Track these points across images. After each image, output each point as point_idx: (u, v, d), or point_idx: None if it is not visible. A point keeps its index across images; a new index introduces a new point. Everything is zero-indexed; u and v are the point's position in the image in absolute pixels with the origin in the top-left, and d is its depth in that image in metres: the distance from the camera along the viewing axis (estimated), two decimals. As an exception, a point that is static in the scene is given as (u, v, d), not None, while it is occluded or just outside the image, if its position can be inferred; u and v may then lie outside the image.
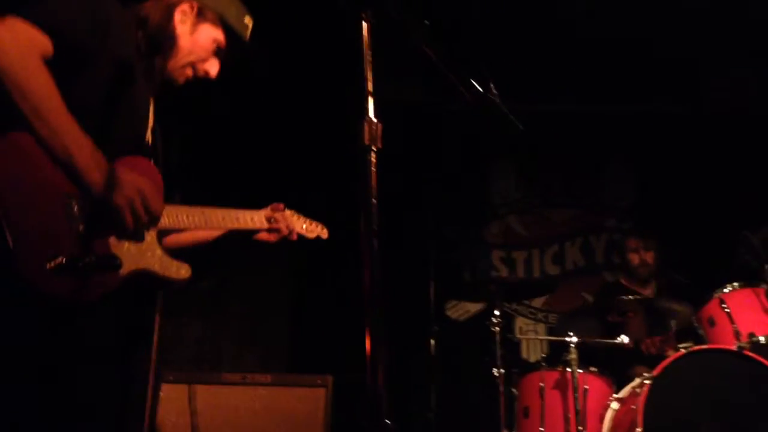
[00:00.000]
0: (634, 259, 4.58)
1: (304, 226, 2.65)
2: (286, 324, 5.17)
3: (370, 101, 1.74)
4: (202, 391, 3.48)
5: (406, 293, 5.18)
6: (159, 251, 2.08)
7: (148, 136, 2.18)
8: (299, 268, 5.23)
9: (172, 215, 2.21)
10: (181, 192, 2.38)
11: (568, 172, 6.03)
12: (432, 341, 4.76)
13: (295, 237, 2.56)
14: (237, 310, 5.03)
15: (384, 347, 1.62)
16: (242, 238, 2.49)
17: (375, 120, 1.73)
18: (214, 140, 4.86)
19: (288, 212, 2.58)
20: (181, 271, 2.12)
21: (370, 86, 1.74)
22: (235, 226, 2.42)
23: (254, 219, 2.48)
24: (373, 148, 1.71)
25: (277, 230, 2.50)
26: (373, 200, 1.68)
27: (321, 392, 3.54)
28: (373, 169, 1.69)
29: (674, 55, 5.24)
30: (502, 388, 3.85)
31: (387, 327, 1.64)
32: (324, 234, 2.74)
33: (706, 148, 5.65)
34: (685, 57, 5.27)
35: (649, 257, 4.54)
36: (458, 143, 5.69)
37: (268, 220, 2.49)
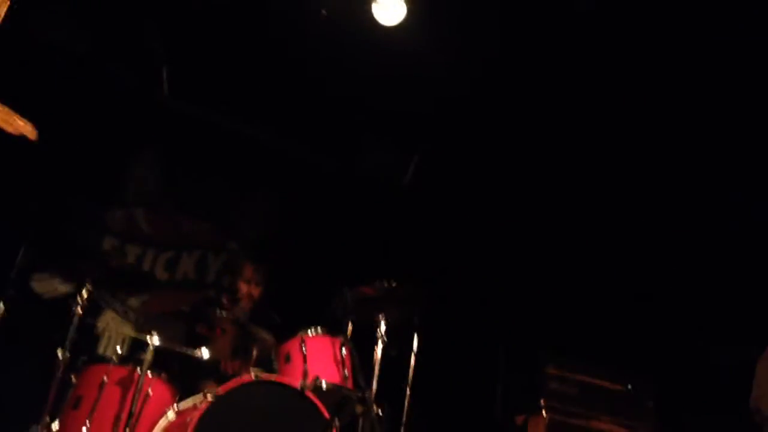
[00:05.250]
0: (243, 288, 4.54)
1: None
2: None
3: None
4: None
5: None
6: None
7: None
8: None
9: None
10: None
11: (214, 187, 5.98)
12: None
13: None
14: None
15: None
16: None
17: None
18: None
19: None
20: None
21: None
22: None
23: None
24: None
25: None
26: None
27: None
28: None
29: (342, 112, 5.60)
30: (60, 373, 3.54)
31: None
32: (31, 134, 2.33)
33: (344, 205, 6.08)
34: (350, 116, 5.66)
35: (257, 292, 4.57)
36: (108, 118, 5.35)
37: None
